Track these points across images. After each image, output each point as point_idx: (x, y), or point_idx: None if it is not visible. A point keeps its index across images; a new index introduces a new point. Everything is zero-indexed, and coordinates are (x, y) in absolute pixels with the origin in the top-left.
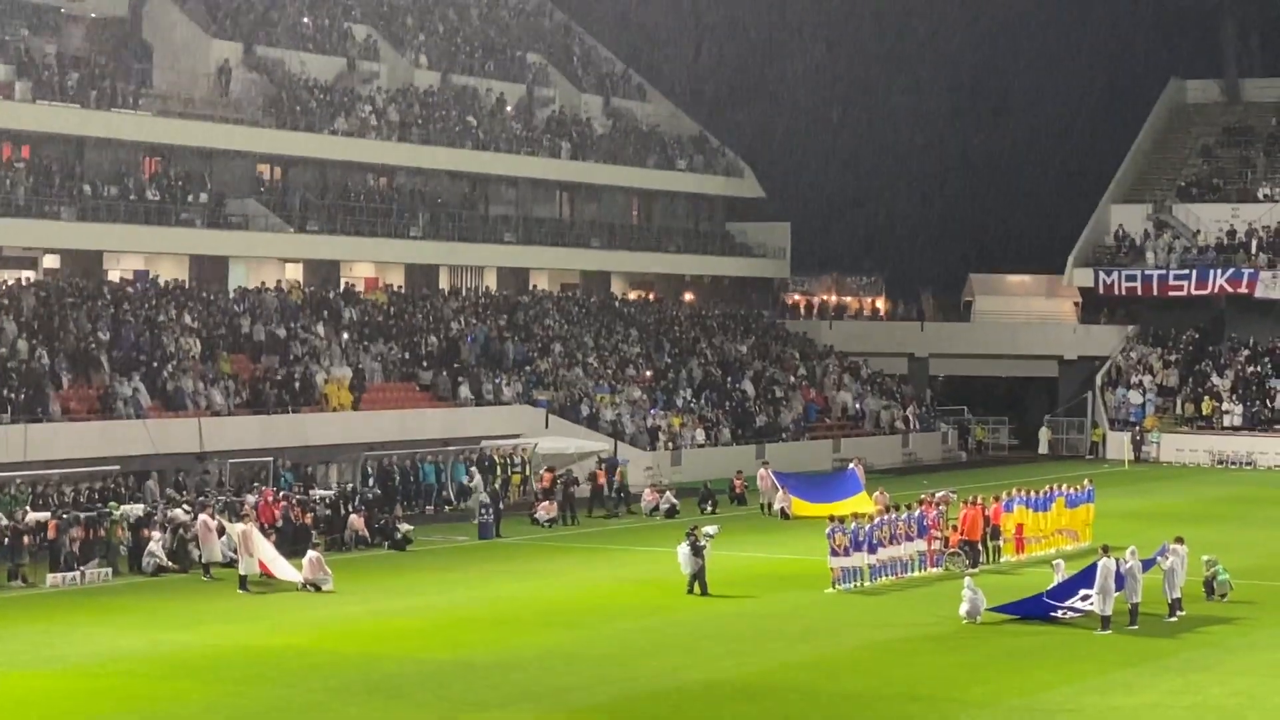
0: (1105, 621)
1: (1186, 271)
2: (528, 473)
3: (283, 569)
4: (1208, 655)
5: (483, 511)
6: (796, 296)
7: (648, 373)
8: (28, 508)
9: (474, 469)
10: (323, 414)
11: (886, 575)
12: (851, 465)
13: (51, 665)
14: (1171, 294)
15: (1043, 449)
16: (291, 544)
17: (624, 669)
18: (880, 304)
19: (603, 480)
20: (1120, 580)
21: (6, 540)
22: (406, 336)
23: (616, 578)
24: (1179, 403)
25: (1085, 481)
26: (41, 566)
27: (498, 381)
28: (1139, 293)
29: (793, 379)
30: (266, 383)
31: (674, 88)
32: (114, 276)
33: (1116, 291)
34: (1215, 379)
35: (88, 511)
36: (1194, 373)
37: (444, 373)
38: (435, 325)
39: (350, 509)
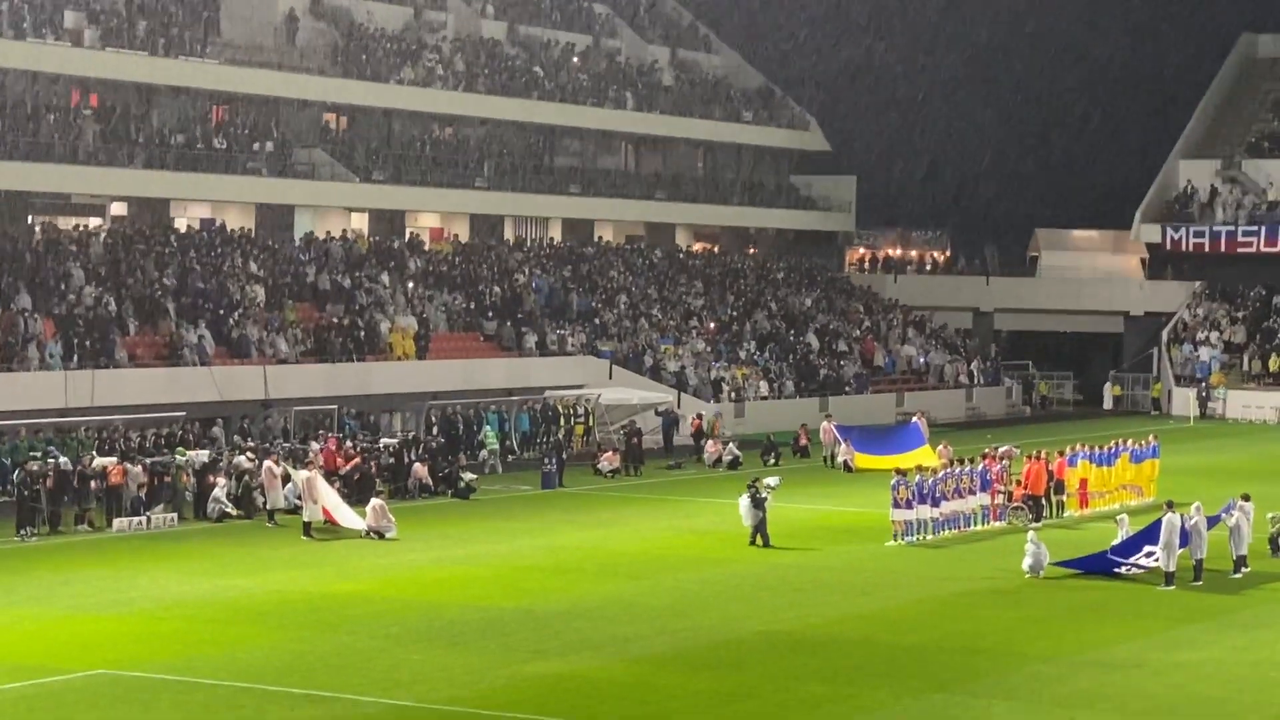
0: (1169, 577)
1: (1255, 228)
2: (591, 423)
3: (346, 516)
4: (1272, 612)
5: (546, 463)
6: (861, 250)
7: (711, 325)
8: (94, 453)
9: (488, 425)
10: (387, 363)
11: (949, 529)
12: (914, 419)
13: (117, 609)
14: (1240, 251)
15: (1108, 405)
16: (356, 492)
17: (684, 619)
18: (945, 258)
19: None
20: (1185, 536)
21: (73, 485)
22: (471, 286)
23: (678, 529)
24: (1246, 359)
25: (1150, 437)
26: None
27: (562, 332)
28: (1206, 249)
29: (857, 332)
30: (331, 331)
31: (740, 40)
32: (181, 224)
33: (1184, 248)
34: None
35: (154, 457)
36: (1261, 329)
37: (508, 323)
38: (500, 276)
39: (414, 457)
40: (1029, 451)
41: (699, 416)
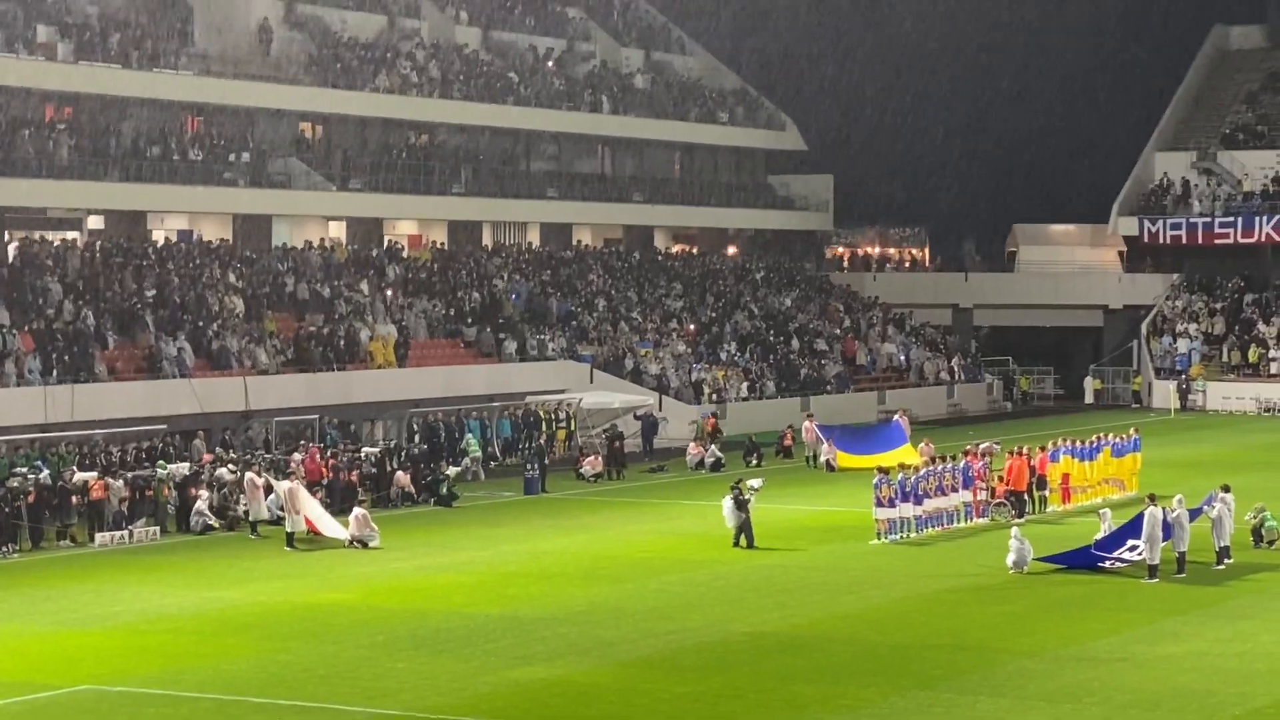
0: (1153, 570)
1: (1232, 219)
2: (573, 428)
3: (329, 526)
4: (1256, 603)
5: (528, 468)
6: (840, 249)
7: (691, 327)
8: (75, 468)
9: (470, 434)
10: (368, 371)
11: (932, 526)
12: (896, 417)
13: (101, 624)
14: (1217, 242)
15: (1089, 399)
16: (339, 501)
17: (669, 622)
18: (924, 255)
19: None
20: (1167, 529)
21: (55, 500)
22: (450, 293)
23: (661, 532)
24: (1225, 350)
25: (1131, 430)
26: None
27: (542, 337)
28: (1184, 241)
29: (837, 331)
30: (311, 341)
31: (715, 41)
32: (158, 237)
33: (1161, 240)
34: (1261, 326)
35: (135, 471)
36: (1240, 320)
37: (488, 329)
38: (479, 282)
39: (396, 466)
40: (1011, 447)
41: (713, 415)
